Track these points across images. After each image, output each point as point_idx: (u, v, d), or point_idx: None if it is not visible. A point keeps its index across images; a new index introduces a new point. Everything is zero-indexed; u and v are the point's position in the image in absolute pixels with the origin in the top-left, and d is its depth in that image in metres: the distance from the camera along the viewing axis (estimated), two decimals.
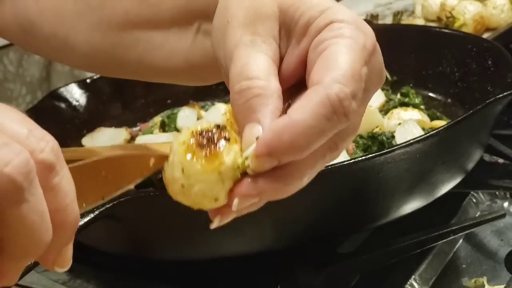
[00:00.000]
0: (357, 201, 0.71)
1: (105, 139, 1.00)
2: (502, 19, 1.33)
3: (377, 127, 0.91)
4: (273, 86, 0.45)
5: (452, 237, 0.76)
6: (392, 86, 1.04)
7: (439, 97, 1.00)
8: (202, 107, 1.06)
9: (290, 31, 0.48)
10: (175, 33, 0.61)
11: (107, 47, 0.65)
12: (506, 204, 0.86)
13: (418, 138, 0.68)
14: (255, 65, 0.45)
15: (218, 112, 0.98)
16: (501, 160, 0.91)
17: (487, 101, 0.73)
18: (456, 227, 0.76)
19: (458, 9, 1.33)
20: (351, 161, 0.66)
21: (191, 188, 0.43)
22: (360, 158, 0.66)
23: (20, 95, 1.52)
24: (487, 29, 1.33)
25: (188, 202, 0.44)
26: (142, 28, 0.62)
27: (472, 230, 0.80)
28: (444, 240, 0.77)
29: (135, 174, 0.45)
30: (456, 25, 1.31)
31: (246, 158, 0.43)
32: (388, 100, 1.00)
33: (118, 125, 1.06)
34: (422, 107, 0.98)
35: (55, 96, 1.04)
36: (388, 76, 1.01)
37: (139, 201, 0.66)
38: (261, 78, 0.44)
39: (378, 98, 0.99)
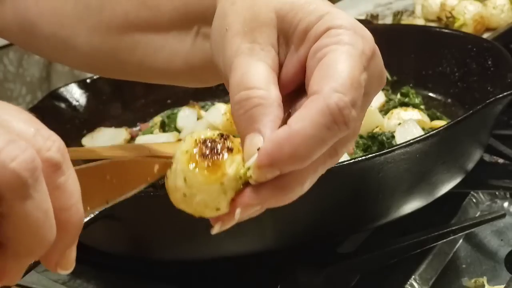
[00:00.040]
0: (357, 201, 0.71)
1: (105, 139, 1.00)
2: (502, 19, 1.33)
3: (377, 127, 0.91)
4: (273, 95, 0.45)
5: (452, 237, 0.76)
6: (392, 86, 1.04)
7: (439, 97, 1.00)
8: (202, 107, 1.06)
9: (288, 38, 0.47)
10: (174, 36, 0.61)
11: (107, 48, 0.65)
12: (506, 204, 0.86)
13: (418, 138, 0.68)
14: (254, 74, 0.45)
15: (218, 112, 0.98)
16: (501, 160, 0.91)
17: (487, 101, 0.73)
18: (456, 227, 0.76)
19: (458, 9, 1.33)
20: (351, 161, 0.66)
21: (193, 198, 0.43)
22: (360, 158, 0.66)
23: (20, 95, 1.52)
24: (487, 29, 1.33)
25: (190, 210, 0.44)
26: (142, 30, 0.62)
27: (472, 230, 0.80)
28: (444, 240, 0.77)
29: (140, 179, 0.45)
30: (456, 25, 1.31)
31: (248, 169, 0.43)
32: (388, 100, 1.00)
33: (118, 125, 1.06)
34: (422, 107, 0.98)
35: (55, 96, 1.04)
36: (388, 76, 1.01)
37: (139, 201, 0.66)
38: (261, 87, 0.45)
39: (378, 98, 0.99)
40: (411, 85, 1.02)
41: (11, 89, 1.50)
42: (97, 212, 0.59)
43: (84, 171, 0.40)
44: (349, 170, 0.66)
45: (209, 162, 0.42)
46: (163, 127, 1.03)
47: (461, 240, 0.81)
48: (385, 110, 0.98)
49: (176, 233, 0.70)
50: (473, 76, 0.94)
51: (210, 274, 0.78)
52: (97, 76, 1.06)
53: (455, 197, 0.85)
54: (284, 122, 0.43)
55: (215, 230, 0.44)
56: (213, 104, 1.05)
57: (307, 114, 0.42)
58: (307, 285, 0.72)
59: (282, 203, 0.44)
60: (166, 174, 0.44)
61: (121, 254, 0.78)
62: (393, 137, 0.87)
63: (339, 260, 0.74)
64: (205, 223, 0.44)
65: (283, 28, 0.47)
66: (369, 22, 1.40)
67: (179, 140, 0.98)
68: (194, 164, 0.42)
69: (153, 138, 0.99)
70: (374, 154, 0.66)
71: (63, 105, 1.04)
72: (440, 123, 0.91)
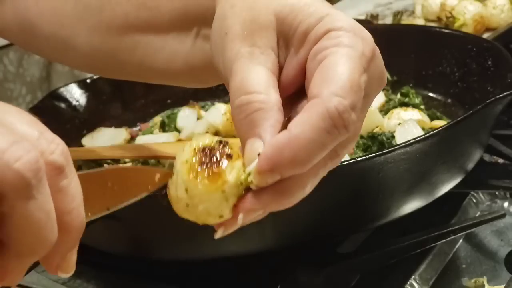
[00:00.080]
0: (357, 201, 0.71)
1: (105, 139, 1.00)
2: (502, 19, 1.33)
3: (377, 127, 0.91)
4: (273, 99, 0.45)
5: (452, 237, 0.76)
6: (392, 86, 1.04)
7: (439, 97, 1.00)
8: (202, 107, 1.06)
9: (288, 40, 0.47)
10: (174, 37, 0.61)
11: (107, 49, 0.65)
12: (506, 204, 0.86)
13: (418, 138, 0.68)
14: (254, 79, 0.45)
15: (218, 112, 0.98)
16: (501, 160, 0.91)
17: (487, 101, 0.73)
18: (456, 227, 0.76)
19: (458, 9, 1.33)
20: (351, 161, 0.66)
21: (195, 207, 0.43)
22: (360, 158, 0.66)
23: (20, 95, 1.52)
24: (487, 29, 1.33)
25: (193, 218, 0.44)
26: (142, 31, 0.62)
27: (472, 230, 0.80)
28: (444, 240, 0.77)
29: (141, 187, 0.46)
30: (456, 25, 1.31)
31: (249, 174, 0.43)
32: (388, 100, 1.00)
33: (118, 125, 1.06)
34: (422, 107, 0.98)
35: (55, 96, 1.04)
36: (388, 76, 1.01)
37: (139, 201, 0.66)
38: (261, 91, 0.45)
39: (378, 98, 0.99)
40: (411, 85, 1.02)
41: (11, 89, 1.50)
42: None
43: (86, 177, 0.40)
44: (349, 170, 0.66)
45: (209, 171, 0.42)
46: (163, 127, 1.03)
47: (461, 240, 0.81)
48: (385, 110, 0.98)
49: (176, 233, 0.70)
50: (473, 76, 0.94)
51: (210, 274, 0.78)
52: (97, 76, 1.06)
53: (455, 197, 0.85)
54: (284, 126, 0.43)
55: (218, 234, 0.45)
56: (213, 104, 1.05)
57: (307, 118, 0.42)
58: (307, 285, 0.72)
59: (284, 206, 0.45)
60: (168, 184, 0.44)
61: (121, 254, 0.78)
62: (393, 137, 0.87)
63: (339, 260, 0.74)
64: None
65: (283, 31, 0.47)
66: (369, 22, 1.40)
67: (179, 140, 0.98)
68: (194, 174, 0.42)
69: (153, 138, 0.99)
70: (374, 154, 0.66)
71: (63, 105, 1.04)
72: (440, 123, 0.91)
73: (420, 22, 1.41)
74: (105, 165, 0.93)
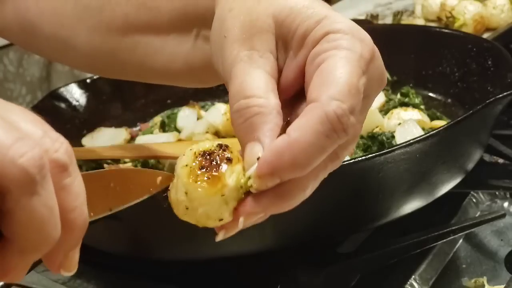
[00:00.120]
0: (357, 201, 0.71)
1: (105, 139, 1.00)
2: (502, 19, 1.33)
3: (377, 127, 0.91)
4: (272, 102, 0.45)
5: (452, 237, 0.76)
6: (392, 86, 1.04)
7: (439, 97, 1.00)
8: (202, 107, 1.06)
9: (287, 43, 0.48)
10: (174, 37, 0.61)
11: (108, 49, 0.65)
12: (506, 204, 0.86)
13: (418, 138, 0.68)
14: (253, 83, 0.45)
15: (218, 112, 0.98)
16: (501, 160, 0.91)
17: (487, 101, 0.73)
18: (456, 227, 0.76)
19: (458, 9, 1.33)
20: (351, 161, 0.66)
21: (195, 210, 0.43)
22: (360, 158, 0.66)
23: (20, 95, 1.52)
24: (487, 29, 1.33)
25: (194, 221, 0.44)
26: (142, 32, 0.62)
27: (472, 230, 0.80)
28: (444, 240, 0.77)
29: (143, 189, 0.46)
30: (456, 25, 1.31)
31: (249, 178, 0.43)
32: (388, 100, 1.00)
33: (118, 125, 1.06)
34: (422, 107, 0.98)
35: (55, 96, 1.04)
36: (388, 76, 1.01)
37: (141, 202, 0.66)
38: (259, 95, 0.45)
39: (378, 98, 0.99)
40: (411, 85, 1.02)
41: (11, 89, 1.50)
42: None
43: (89, 177, 0.41)
44: (349, 170, 0.66)
45: (208, 175, 0.43)
46: (163, 127, 1.03)
47: (461, 240, 0.81)
48: (385, 110, 0.98)
49: (176, 233, 0.70)
50: (473, 76, 0.94)
51: (210, 274, 0.78)
52: (97, 76, 1.06)
53: (455, 197, 0.85)
54: (284, 130, 0.43)
55: (219, 237, 0.45)
56: (213, 104, 1.05)
57: (305, 122, 0.42)
58: (307, 285, 0.72)
59: (285, 209, 0.45)
60: (169, 187, 0.45)
61: (121, 254, 0.78)
62: (393, 137, 0.87)
63: (339, 260, 0.74)
64: None
65: (281, 34, 0.47)
66: (369, 22, 1.40)
67: (179, 140, 0.98)
68: (194, 178, 0.43)
69: (153, 138, 0.99)
70: (374, 154, 0.66)
71: (63, 105, 1.04)
72: (440, 123, 0.91)
73: (420, 22, 1.41)
74: (105, 165, 0.93)
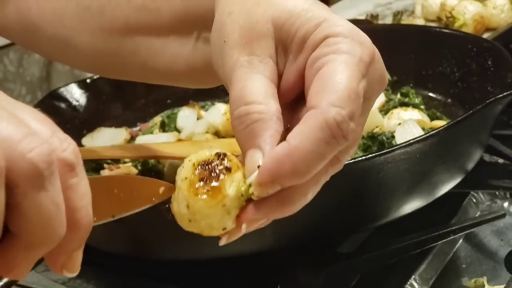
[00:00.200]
0: (357, 201, 0.71)
1: (105, 139, 1.00)
2: (502, 19, 1.33)
3: (377, 127, 0.91)
4: (272, 108, 0.45)
5: (452, 237, 0.76)
6: (392, 86, 1.04)
7: (439, 97, 1.00)
8: (202, 107, 1.06)
9: (287, 47, 0.47)
10: (175, 39, 0.61)
11: (110, 50, 0.65)
12: (506, 204, 0.86)
13: (418, 138, 0.68)
14: (253, 88, 0.45)
15: (218, 112, 0.98)
16: (501, 160, 0.91)
17: (487, 101, 0.73)
18: (456, 227, 0.76)
19: (458, 9, 1.33)
20: (351, 161, 0.66)
21: (198, 222, 0.44)
22: (360, 158, 0.66)
23: (20, 95, 1.52)
24: (487, 29, 1.33)
25: (198, 231, 0.45)
26: (143, 34, 0.62)
27: (472, 230, 0.80)
28: (444, 240, 0.77)
29: (145, 198, 0.46)
30: (456, 25, 1.31)
31: (250, 185, 0.43)
32: (388, 100, 1.00)
33: (118, 125, 1.06)
34: (422, 107, 0.98)
35: (55, 96, 1.04)
36: (388, 76, 1.01)
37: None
38: (260, 101, 0.45)
39: (378, 98, 0.99)
40: (411, 85, 1.02)
41: (11, 89, 1.50)
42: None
43: (94, 181, 0.41)
44: (349, 170, 0.66)
45: (208, 187, 0.43)
46: (163, 127, 1.03)
47: (461, 240, 0.81)
48: (385, 110, 0.98)
49: (176, 233, 0.70)
50: (473, 76, 0.94)
51: (210, 274, 0.78)
52: (97, 76, 1.06)
53: (455, 197, 0.85)
54: (284, 136, 0.43)
55: (223, 242, 0.45)
56: (213, 104, 1.05)
57: (305, 129, 0.42)
58: (307, 285, 0.72)
59: (287, 214, 0.45)
60: (171, 199, 0.45)
61: (122, 254, 0.78)
62: (393, 137, 0.87)
63: (339, 260, 0.74)
64: None
65: (281, 37, 0.47)
66: (369, 22, 1.40)
67: (179, 140, 0.98)
68: (194, 191, 0.43)
69: (153, 138, 0.99)
70: (374, 154, 0.66)
71: (63, 105, 1.04)
72: (440, 123, 0.91)
73: (420, 22, 1.41)
74: (105, 165, 0.93)
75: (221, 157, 0.44)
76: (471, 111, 0.72)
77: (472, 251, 0.80)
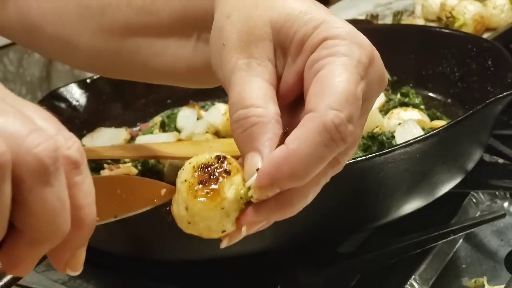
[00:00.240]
0: (357, 201, 0.71)
1: (105, 139, 1.00)
2: (502, 19, 1.33)
3: (377, 127, 0.91)
4: (271, 112, 0.45)
5: (452, 237, 0.76)
6: (392, 86, 1.04)
7: (439, 97, 1.00)
8: (202, 107, 1.06)
9: (285, 50, 0.48)
10: (175, 40, 0.61)
11: (110, 50, 0.65)
12: (506, 204, 0.86)
13: (418, 138, 0.68)
14: (252, 92, 0.46)
15: (218, 112, 0.98)
16: (501, 160, 0.91)
17: (487, 101, 0.73)
18: (456, 227, 0.76)
19: (458, 9, 1.33)
20: (351, 161, 0.66)
21: (197, 224, 0.44)
22: (360, 158, 0.66)
23: (20, 95, 1.51)
24: (487, 29, 1.33)
25: (197, 234, 0.45)
26: (143, 35, 0.62)
27: (472, 230, 0.80)
28: (444, 240, 0.77)
29: (147, 199, 0.47)
30: (456, 25, 1.31)
31: (249, 188, 0.43)
32: (388, 100, 1.00)
33: (118, 125, 1.06)
34: (422, 107, 0.98)
35: (55, 96, 1.04)
36: (388, 76, 1.01)
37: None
38: (258, 105, 0.45)
39: (378, 98, 0.99)
40: (411, 85, 1.02)
41: (11, 89, 1.49)
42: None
43: (97, 181, 0.41)
44: (349, 170, 0.66)
45: (207, 190, 0.43)
46: (163, 127, 1.03)
47: (461, 240, 0.81)
48: (385, 110, 0.98)
49: (176, 233, 0.70)
50: (473, 76, 0.94)
51: (210, 274, 0.78)
52: (97, 76, 1.06)
53: (455, 197, 0.85)
54: (282, 139, 0.43)
55: (224, 244, 0.46)
56: (213, 104, 1.05)
57: (303, 133, 0.42)
58: (307, 285, 0.72)
59: (287, 216, 0.45)
60: (172, 202, 0.45)
61: (122, 254, 0.78)
62: (393, 137, 0.87)
63: (339, 260, 0.74)
64: None
65: (279, 40, 0.47)
66: (369, 22, 1.40)
67: (179, 140, 0.98)
68: (193, 193, 0.43)
69: (153, 138, 0.99)
70: (374, 154, 0.66)
71: (63, 105, 1.04)
72: (440, 123, 0.91)
73: (420, 22, 1.41)
74: (105, 165, 0.93)
75: (221, 160, 0.44)
76: (471, 111, 0.72)
77: (472, 251, 0.80)
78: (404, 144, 0.67)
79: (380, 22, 1.47)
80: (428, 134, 0.69)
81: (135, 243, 0.77)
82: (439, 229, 0.76)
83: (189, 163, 0.44)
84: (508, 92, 0.74)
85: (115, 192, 0.45)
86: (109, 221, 0.45)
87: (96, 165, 0.93)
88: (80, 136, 1.02)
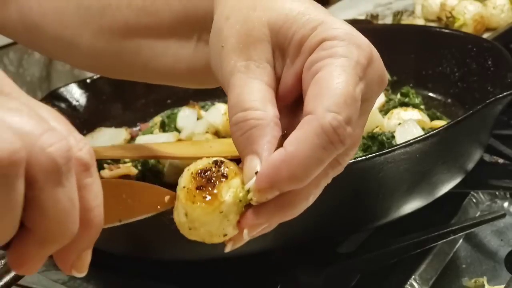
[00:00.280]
0: (357, 201, 0.71)
1: (105, 139, 1.00)
2: (502, 19, 1.33)
3: (377, 127, 0.91)
4: (270, 114, 0.45)
5: (452, 237, 0.76)
6: (392, 86, 1.04)
7: (439, 97, 1.00)
8: (202, 107, 1.06)
9: (284, 51, 0.48)
10: (176, 41, 0.61)
11: (111, 51, 0.65)
12: (506, 204, 0.86)
13: (418, 138, 0.68)
14: (250, 94, 0.46)
15: (218, 112, 0.98)
16: (501, 160, 0.91)
17: (487, 101, 0.73)
18: (456, 227, 0.76)
19: (458, 9, 1.33)
20: (351, 161, 0.66)
21: (198, 230, 0.44)
22: (360, 158, 0.66)
23: None
24: (487, 29, 1.33)
25: (200, 240, 0.45)
26: (143, 36, 0.62)
27: (472, 230, 0.80)
28: (444, 240, 0.77)
29: (151, 205, 0.47)
30: (456, 25, 1.31)
31: (248, 191, 0.44)
32: (388, 100, 1.00)
33: (118, 125, 1.06)
34: (422, 107, 0.98)
35: (55, 96, 1.04)
36: (388, 76, 1.01)
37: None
38: (257, 107, 0.45)
39: (378, 98, 0.99)
40: (411, 85, 1.02)
41: None
42: None
43: (104, 184, 0.41)
44: (349, 170, 0.66)
45: (205, 194, 0.43)
46: (163, 127, 1.03)
47: (461, 240, 0.81)
48: (385, 110, 0.98)
49: (176, 233, 0.70)
50: (473, 76, 0.94)
51: (210, 274, 0.78)
52: (97, 76, 1.06)
53: (455, 197, 0.85)
54: (281, 142, 0.44)
55: (228, 249, 0.46)
56: (213, 104, 1.05)
57: (302, 135, 0.42)
58: (307, 285, 0.72)
59: (289, 218, 0.45)
60: (173, 209, 0.46)
61: (122, 254, 0.78)
62: (393, 137, 0.87)
63: (339, 260, 0.74)
64: None
65: (278, 42, 0.47)
66: (369, 22, 1.40)
67: (179, 140, 0.98)
68: (191, 199, 0.44)
69: (153, 138, 0.99)
70: (374, 154, 0.66)
71: (63, 105, 1.04)
72: (440, 123, 0.91)
73: (420, 22, 1.41)
74: (105, 165, 0.93)
75: (218, 164, 0.44)
76: (471, 111, 0.72)
77: (472, 251, 0.80)
78: (404, 144, 0.67)
79: (380, 22, 1.47)
80: (428, 134, 0.69)
81: (135, 243, 0.77)
82: (439, 229, 0.76)
83: (188, 169, 0.45)
84: (508, 92, 0.74)
85: (121, 196, 0.45)
86: (114, 225, 0.45)
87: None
88: None
